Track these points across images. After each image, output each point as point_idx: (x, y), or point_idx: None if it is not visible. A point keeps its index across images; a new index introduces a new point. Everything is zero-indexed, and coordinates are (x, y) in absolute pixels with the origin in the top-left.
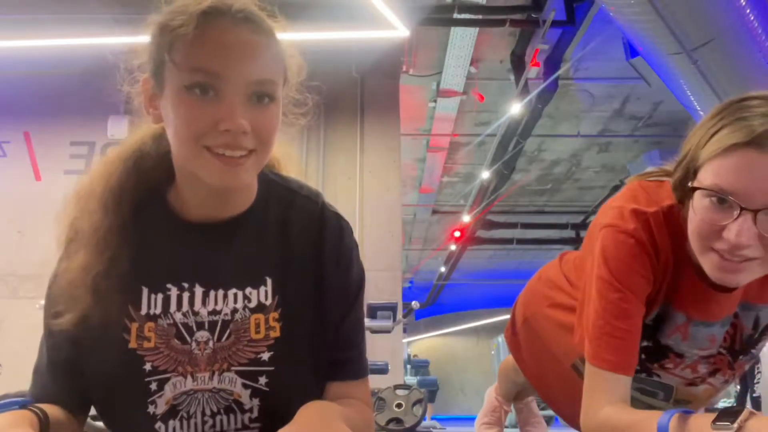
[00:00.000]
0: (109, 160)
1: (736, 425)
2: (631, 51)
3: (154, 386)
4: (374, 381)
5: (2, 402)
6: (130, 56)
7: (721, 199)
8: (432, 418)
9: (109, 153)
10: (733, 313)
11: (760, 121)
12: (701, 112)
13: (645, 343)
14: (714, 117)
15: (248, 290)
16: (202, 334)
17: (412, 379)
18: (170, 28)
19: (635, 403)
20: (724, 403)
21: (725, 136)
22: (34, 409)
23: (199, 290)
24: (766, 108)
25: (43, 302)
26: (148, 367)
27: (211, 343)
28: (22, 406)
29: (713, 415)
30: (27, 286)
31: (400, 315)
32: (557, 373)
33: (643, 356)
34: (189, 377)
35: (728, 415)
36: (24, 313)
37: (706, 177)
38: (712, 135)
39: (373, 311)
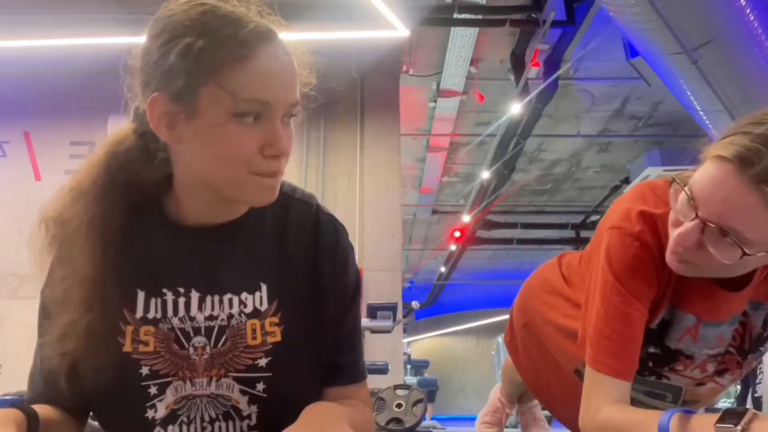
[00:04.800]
0: (93, 161)
1: (739, 427)
2: (631, 51)
3: (153, 390)
4: (374, 381)
5: None
6: (128, 74)
7: (690, 199)
8: (432, 418)
9: (91, 155)
10: (743, 312)
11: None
12: (701, 112)
13: (652, 350)
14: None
15: (244, 295)
16: (199, 340)
17: (412, 379)
18: (211, 52)
19: (642, 406)
20: (724, 402)
21: (719, 145)
22: (24, 408)
23: (195, 295)
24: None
25: None
26: (145, 371)
27: (208, 349)
28: (12, 404)
29: (715, 416)
30: (27, 286)
31: (400, 315)
32: (557, 378)
33: (650, 364)
34: (188, 382)
35: (731, 416)
36: (24, 313)
37: (694, 175)
38: (721, 139)
39: (373, 311)
